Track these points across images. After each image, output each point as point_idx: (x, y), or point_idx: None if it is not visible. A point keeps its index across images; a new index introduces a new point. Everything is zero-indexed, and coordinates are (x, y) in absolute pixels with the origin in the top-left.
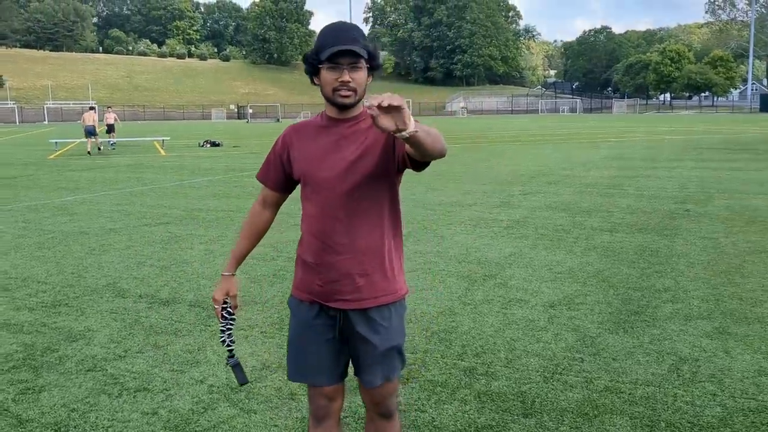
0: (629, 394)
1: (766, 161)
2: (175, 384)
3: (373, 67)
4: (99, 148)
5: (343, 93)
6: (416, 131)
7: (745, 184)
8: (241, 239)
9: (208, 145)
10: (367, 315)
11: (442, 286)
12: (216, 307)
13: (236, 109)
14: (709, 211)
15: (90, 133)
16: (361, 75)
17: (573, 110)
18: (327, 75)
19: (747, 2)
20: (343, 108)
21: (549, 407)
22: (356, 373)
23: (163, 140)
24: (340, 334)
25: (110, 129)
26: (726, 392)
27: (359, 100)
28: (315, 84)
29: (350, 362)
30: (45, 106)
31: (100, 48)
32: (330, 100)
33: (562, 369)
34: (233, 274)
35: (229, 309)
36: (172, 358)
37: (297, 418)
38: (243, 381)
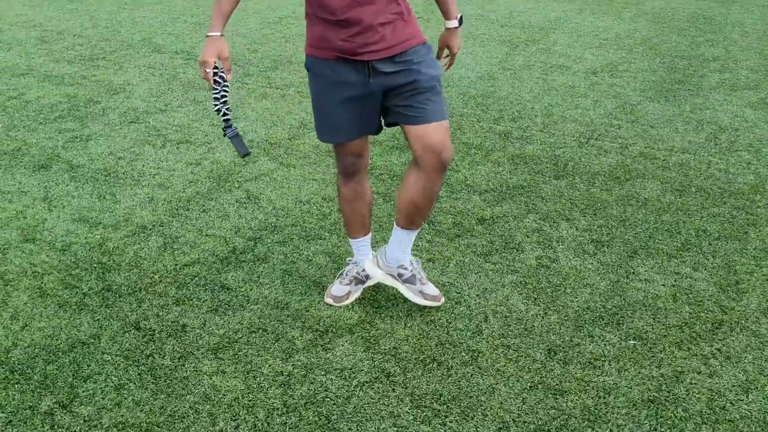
0: (663, 160)
1: None
2: (216, 138)
3: None
4: None
5: None
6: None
7: None
8: None
9: None
10: (397, 60)
11: (482, 50)
12: (206, 71)
13: None
14: None
15: None
16: None
17: None
18: None
19: None
20: None
21: (581, 170)
22: (403, 121)
23: None
24: (368, 88)
25: None
26: (762, 161)
27: None
28: None
29: (388, 119)
30: None
31: None
32: None
33: (598, 135)
34: (221, 35)
35: (221, 74)
36: (212, 113)
37: (334, 173)
38: (244, 152)
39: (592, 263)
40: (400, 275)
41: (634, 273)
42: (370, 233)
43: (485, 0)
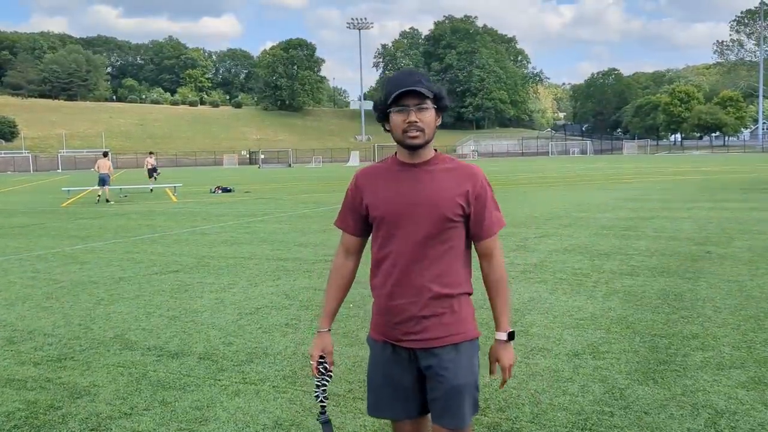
0: None
1: None
2: None
3: (441, 108)
4: (107, 200)
5: (412, 134)
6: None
7: (765, 223)
8: (330, 295)
9: (220, 191)
10: (435, 353)
11: None
12: (312, 363)
13: (248, 155)
14: (731, 252)
15: (103, 181)
16: (428, 115)
17: (583, 152)
18: (396, 117)
19: (755, 43)
20: (414, 149)
21: None
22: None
23: (174, 187)
24: (412, 372)
25: (151, 173)
26: None
27: (428, 141)
28: (386, 130)
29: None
30: (59, 154)
31: (114, 97)
32: (400, 143)
33: (592, 424)
34: (329, 330)
35: (325, 365)
36: (180, 415)
37: None
38: None
39: None
40: None
41: None
42: None
43: None
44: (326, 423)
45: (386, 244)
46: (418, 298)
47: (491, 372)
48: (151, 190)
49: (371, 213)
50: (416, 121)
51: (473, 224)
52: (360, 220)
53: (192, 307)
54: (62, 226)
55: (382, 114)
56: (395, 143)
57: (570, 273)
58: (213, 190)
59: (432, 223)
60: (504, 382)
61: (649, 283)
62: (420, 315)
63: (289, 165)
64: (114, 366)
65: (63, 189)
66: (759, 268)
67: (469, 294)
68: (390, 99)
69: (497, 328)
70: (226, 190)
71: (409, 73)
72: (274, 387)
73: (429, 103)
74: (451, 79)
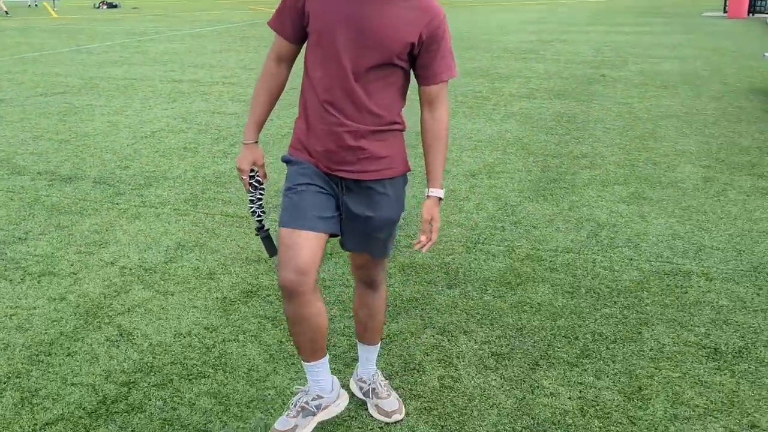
0: (550, 261)
1: (674, 24)
2: (84, 267)
3: None
4: (6, 12)
5: None
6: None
7: (657, 47)
8: (258, 103)
9: (105, 7)
10: (366, 185)
11: None
12: (243, 177)
13: None
14: (624, 75)
15: None
16: None
17: None
18: None
19: None
20: None
21: (472, 277)
22: (343, 243)
23: (54, 1)
24: (334, 192)
25: None
26: (642, 256)
27: None
28: None
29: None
30: None
31: None
32: None
33: (484, 239)
34: (256, 142)
35: (258, 178)
36: (79, 239)
37: (217, 298)
38: (273, 253)
39: (495, 379)
40: (360, 389)
41: (539, 387)
42: (325, 356)
43: None
44: (266, 238)
45: (323, 64)
46: (354, 127)
47: (423, 233)
48: (36, 5)
49: (311, 24)
50: None
51: (420, 67)
52: (298, 26)
53: (83, 130)
54: None
55: None
56: None
57: (470, 96)
58: (97, 6)
59: (376, 57)
60: (431, 243)
61: (546, 105)
62: (356, 145)
63: None
64: (3, 191)
65: None
66: (648, 91)
67: (403, 130)
68: None
69: (433, 184)
70: (111, 6)
71: None
72: (175, 210)
73: None
74: None
